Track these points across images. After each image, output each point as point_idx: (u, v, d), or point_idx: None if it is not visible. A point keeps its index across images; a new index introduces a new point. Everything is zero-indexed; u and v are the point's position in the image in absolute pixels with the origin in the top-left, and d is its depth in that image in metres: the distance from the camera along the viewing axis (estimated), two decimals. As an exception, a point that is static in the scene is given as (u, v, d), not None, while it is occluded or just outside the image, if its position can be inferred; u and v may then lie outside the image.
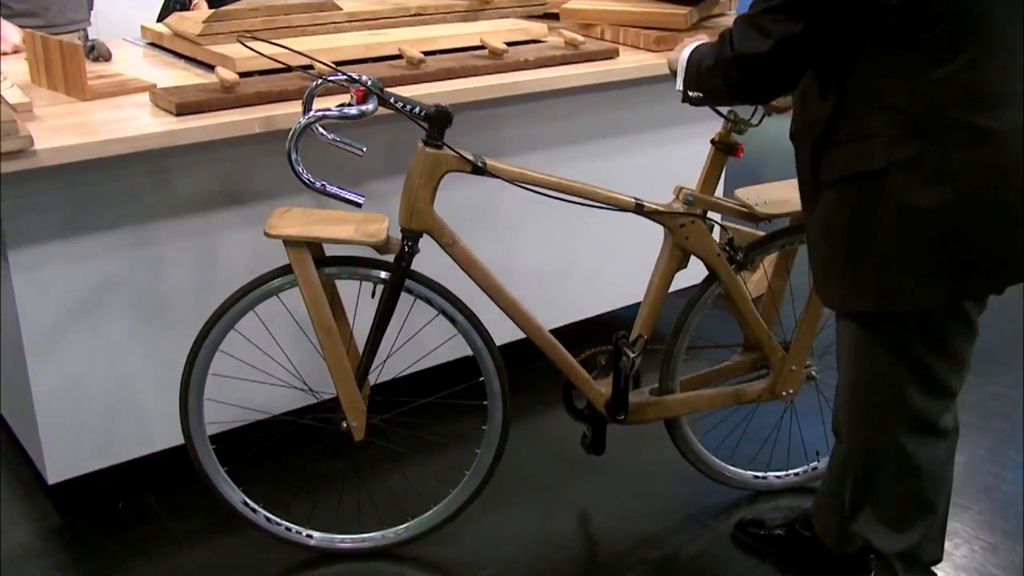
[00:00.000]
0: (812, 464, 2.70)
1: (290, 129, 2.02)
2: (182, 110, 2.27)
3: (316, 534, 2.40)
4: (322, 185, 2.06)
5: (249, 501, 2.34)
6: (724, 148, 2.32)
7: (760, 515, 2.53)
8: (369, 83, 2.05)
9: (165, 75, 2.62)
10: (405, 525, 2.42)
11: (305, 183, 2.04)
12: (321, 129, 2.08)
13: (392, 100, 2.06)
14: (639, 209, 2.25)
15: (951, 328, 1.84)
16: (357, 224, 2.14)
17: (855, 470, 2.07)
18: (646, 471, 2.73)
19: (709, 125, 2.40)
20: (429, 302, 2.23)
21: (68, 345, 2.37)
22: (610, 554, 2.45)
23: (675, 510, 2.53)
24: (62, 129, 2.18)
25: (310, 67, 2.25)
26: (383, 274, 2.18)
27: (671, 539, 2.50)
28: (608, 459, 2.49)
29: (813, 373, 2.52)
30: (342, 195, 2.08)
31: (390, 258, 2.17)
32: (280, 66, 2.19)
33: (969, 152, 1.67)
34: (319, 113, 2.02)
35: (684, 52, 2.01)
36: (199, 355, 2.19)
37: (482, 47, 2.75)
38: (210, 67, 2.59)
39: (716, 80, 1.89)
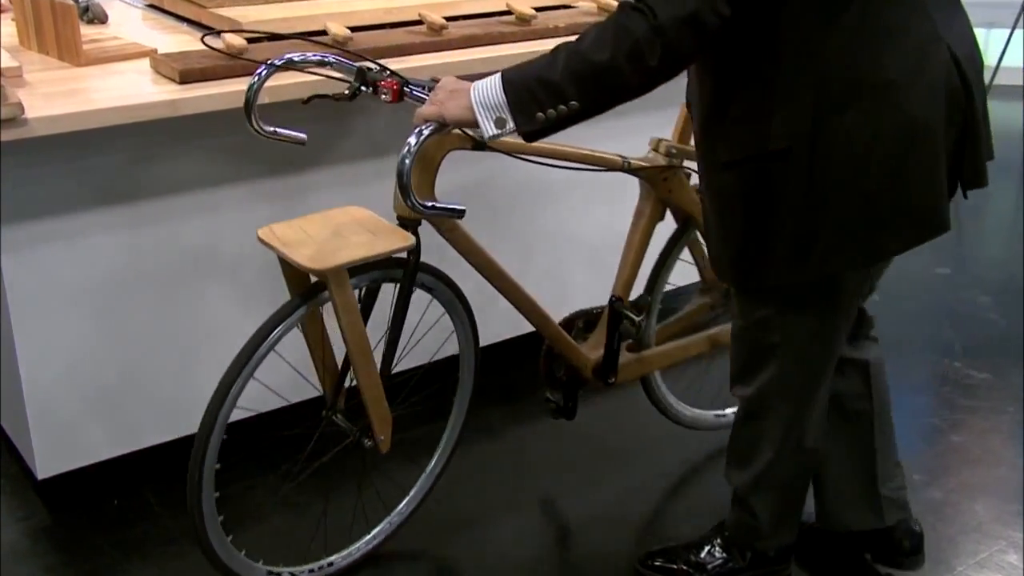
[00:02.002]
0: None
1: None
2: (185, 77, 2.22)
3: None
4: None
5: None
6: None
7: None
8: (394, 75, 1.94)
9: (166, 40, 2.59)
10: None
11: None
12: (257, 122, 2.03)
13: (412, 93, 1.90)
14: (626, 166, 2.28)
15: (861, 289, 1.96)
16: (369, 232, 2.00)
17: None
18: (672, 469, 2.67)
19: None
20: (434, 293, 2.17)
21: (61, 331, 2.31)
22: (636, 556, 2.35)
23: (704, 510, 2.45)
24: (55, 97, 2.13)
25: (323, 32, 2.18)
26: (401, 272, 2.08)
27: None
28: (629, 458, 2.52)
29: None
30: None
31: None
32: (289, 31, 2.09)
33: (865, 118, 1.70)
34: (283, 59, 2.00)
35: (486, 85, 1.70)
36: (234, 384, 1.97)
37: (508, 12, 2.71)
38: (215, 31, 2.50)
39: (622, 66, 1.62)
